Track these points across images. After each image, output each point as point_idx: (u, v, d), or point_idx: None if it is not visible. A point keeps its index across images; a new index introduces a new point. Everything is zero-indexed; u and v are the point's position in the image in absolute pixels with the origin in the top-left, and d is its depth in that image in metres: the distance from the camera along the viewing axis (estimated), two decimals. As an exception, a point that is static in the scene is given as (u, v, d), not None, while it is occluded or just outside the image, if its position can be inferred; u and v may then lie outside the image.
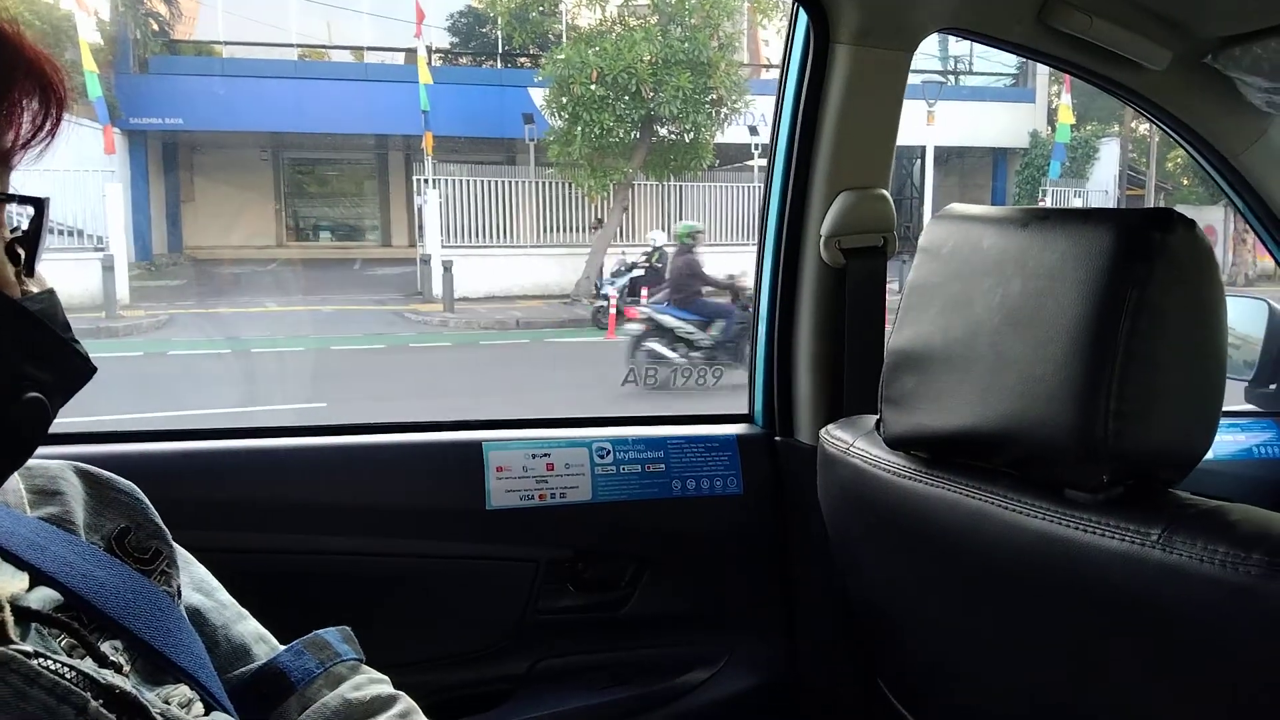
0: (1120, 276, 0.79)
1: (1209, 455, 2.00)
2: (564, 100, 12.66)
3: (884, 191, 1.46)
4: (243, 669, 0.80)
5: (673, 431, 1.53)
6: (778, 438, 1.56)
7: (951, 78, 17.38)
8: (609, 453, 1.47)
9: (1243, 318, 2.22)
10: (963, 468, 0.95)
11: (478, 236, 14.04)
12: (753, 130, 13.32)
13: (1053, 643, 0.90)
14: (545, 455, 1.44)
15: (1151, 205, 17.92)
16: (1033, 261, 0.86)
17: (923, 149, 15.05)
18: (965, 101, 16.97)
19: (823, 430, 1.18)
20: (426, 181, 13.68)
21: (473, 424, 1.48)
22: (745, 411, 1.63)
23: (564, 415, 1.54)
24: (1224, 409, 2.09)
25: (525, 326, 11.63)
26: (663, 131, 13.06)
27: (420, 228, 14.19)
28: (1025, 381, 0.84)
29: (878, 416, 1.06)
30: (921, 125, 14.12)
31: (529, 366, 9.69)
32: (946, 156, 18.32)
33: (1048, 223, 0.87)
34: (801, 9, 1.40)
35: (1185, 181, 17.25)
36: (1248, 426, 2.04)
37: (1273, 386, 2.12)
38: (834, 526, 1.18)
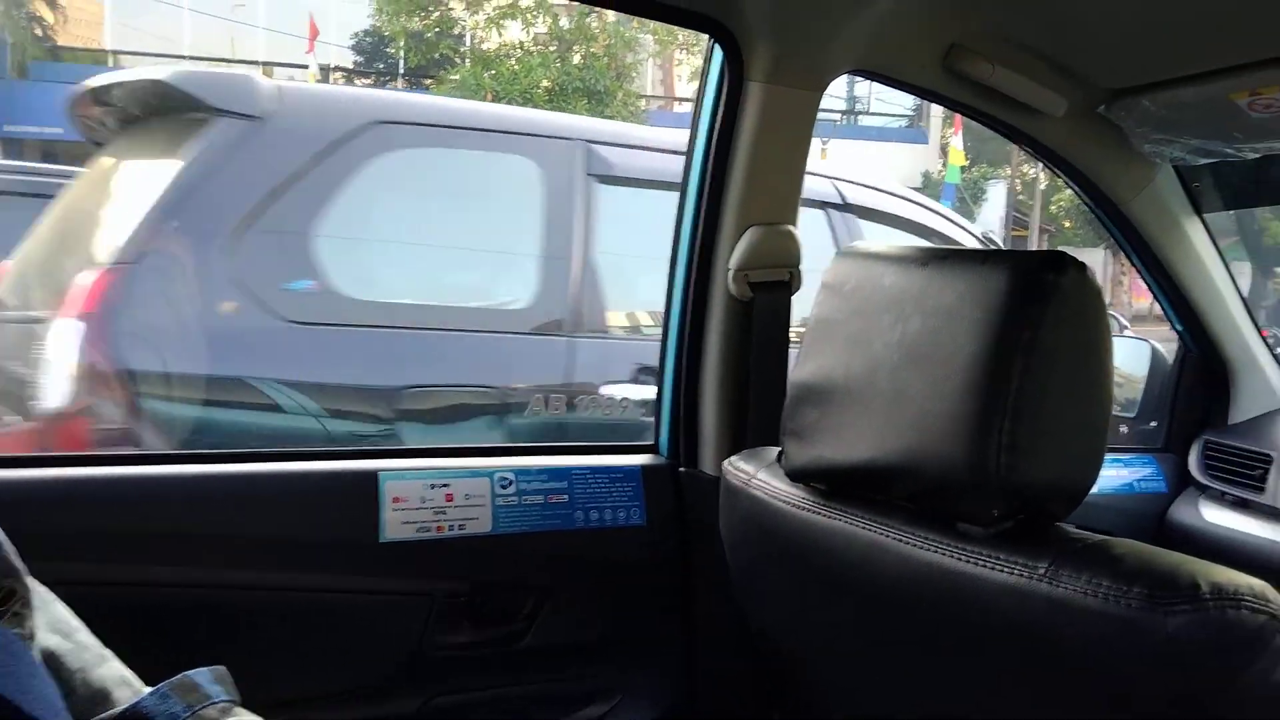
0: (1014, 317, 0.83)
1: (1094, 489, 2.12)
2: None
3: (791, 227, 1.51)
4: (102, 715, 0.75)
5: (577, 462, 1.54)
6: (682, 469, 1.58)
7: (851, 117, 18.05)
8: (511, 483, 1.46)
9: (1127, 357, 2.36)
10: (860, 500, 0.98)
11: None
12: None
13: (948, 675, 0.94)
14: (445, 486, 1.42)
15: (1035, 246, 19.02)
16: (931, 300, 0.90)
17: None
18: (865, 141, 17.70)
19: (726, 462, 1.21)
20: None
21: (368, 453, 1.45)
22: (651, 442, 1.65)
23: (466, 445, 1.53)
24: (1108, 445, 2.22)
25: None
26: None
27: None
28: (922, 416, 0.88)
29: (780, 449, 1.09)
30: (816, 161, 14.68)
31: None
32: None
33: (946, 263, 0.91)
34: (717, 46, 1.45)
35: (1068, 224, 18.29)
36: (1130, 462, 2.15)
37: (1153, 424, 2.26)
38: (735, 558, 1.20)
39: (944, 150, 17.40)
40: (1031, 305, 0.83)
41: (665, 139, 2.92)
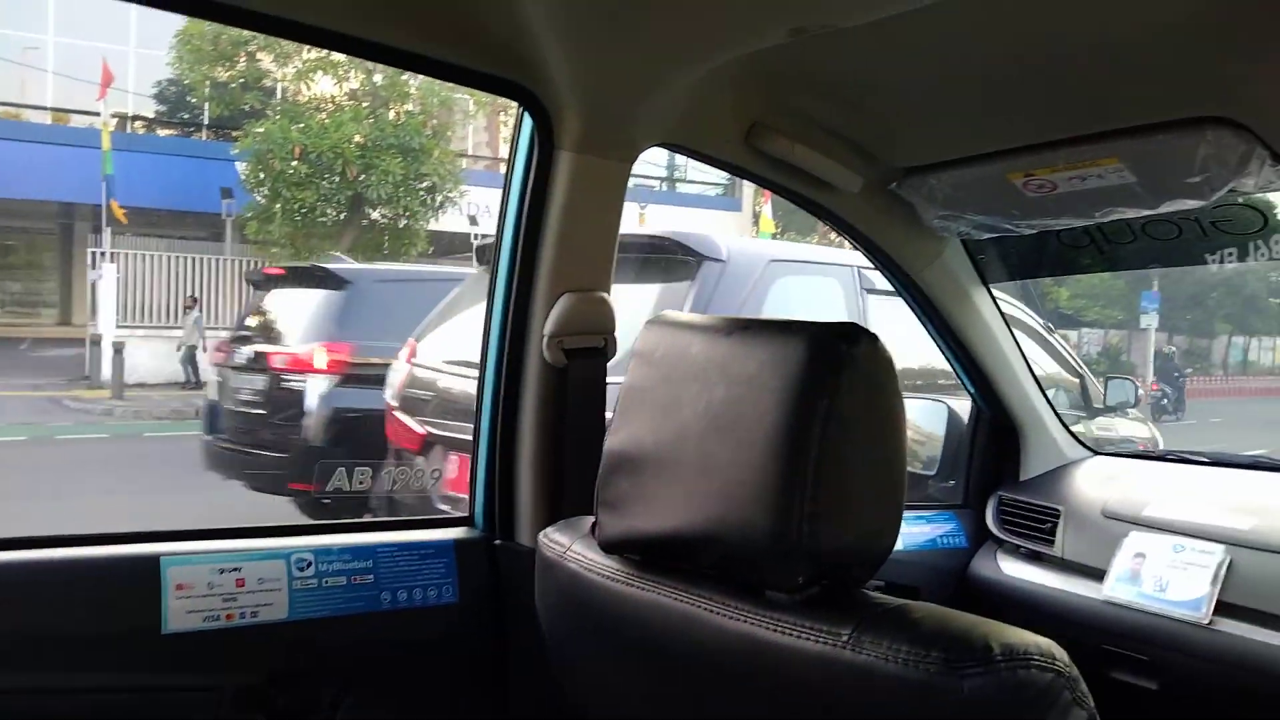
0: (812, 386, 0.87)
1: (900, 546, 2.21)
2: (261, 175, 12.22)
3: (605, 294, 1.53)
4: None
5: (384, 538, 1.48)
6: (498, 541, 1.55)
7: (668, 184, 18.71)
8: (310, 564, 1.38)
9: (926, 418, 2.50)
10: (672, 571, 0.99)
11: (166, 316, 13.02)
12: (473, 220, 13.51)
13: None
14: (235, 570, 1.33)
15: None
16: (735, 369, 0.92)
17: None
18: (683, 207, 18.37)
19: (541, 534, 1.19)
20: (103, 255, 12.55)
21: (149, 536, 1.34)
22: (465, 514, 1.60)
23: (258, 525, 1.44)
24: (912, 502, 2.34)
25: (204, 416, 10.82)
26: (374, 215, 12.91)
27: (94, 305, 12.98)
28: (727, 485, 0.90)
29: (594, 519, 1.09)
30: (634, 226, 15.18)
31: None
32: (664, 259, 19.64)
33: (749, 332, 0.95)
34: (528, 113, 1.46)
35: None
36: (932, 518, 2.27)
37: (952, 482, 2.39)
38: (552, 633, 1.18)
39: (756, 218, 18.25)
40: (828, 375, 0.87)
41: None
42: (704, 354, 0.97)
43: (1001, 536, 2.23)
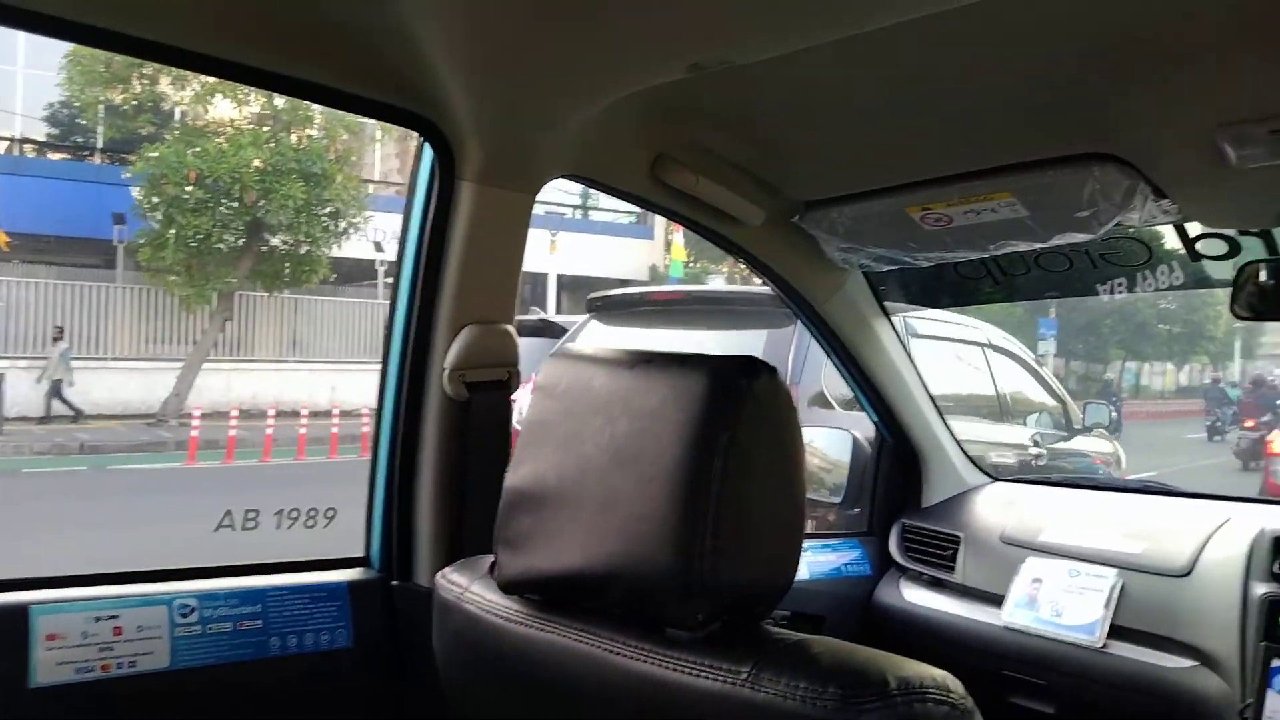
0: (713, 419, 0.87)
1: (806, 576, 2.23)
2: (155, 200, 11.85)
3: (509, 327, 1.51)
4: None
5: (274, 581, 1.42)
6: (395, 582, 1.50)
7: (581, 211, 18.80)
8: (193, 610, 1.32)
9: (832, 446, 2.54)
10: (574, 610, 0.97)
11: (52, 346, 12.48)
12: (378, 247, 13.32)
13: None
14: (113, 617, 1.26)
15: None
16: (637, 402, 0.92)
17: (546, 276, 16.18)
18: (596, 235, 18.45)
19: (439, 574, 1.16)
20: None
21: (16, 583, 1.27)
22: (361, 554, 1.56)
23: (138, 569, 1.37)
24: (819, 531, 2.35)
25: (91, 450, 10.39)
26: (275, 241, 12.63)
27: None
28: (629, 520, 0.89)
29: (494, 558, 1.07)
30: (546, 253, 15.15)
31: (74, 501, 8.41)
32: (578, 285, 19.67)
33: (651, 366, 0.94)
34: (427, 144, 1.44)
35: (782, 316, 19.82)
36: (837, 546, 2.29)
37: (857, 509, 2.43)
38: (450, 678, 1.15)
39: (668, 246, 18.44)
40: (728, 408, 0.87)
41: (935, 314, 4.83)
42: (607, 388, 0.96)
43: (904, 564, 2.27)
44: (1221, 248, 1.80)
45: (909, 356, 2.29)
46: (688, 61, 1.24)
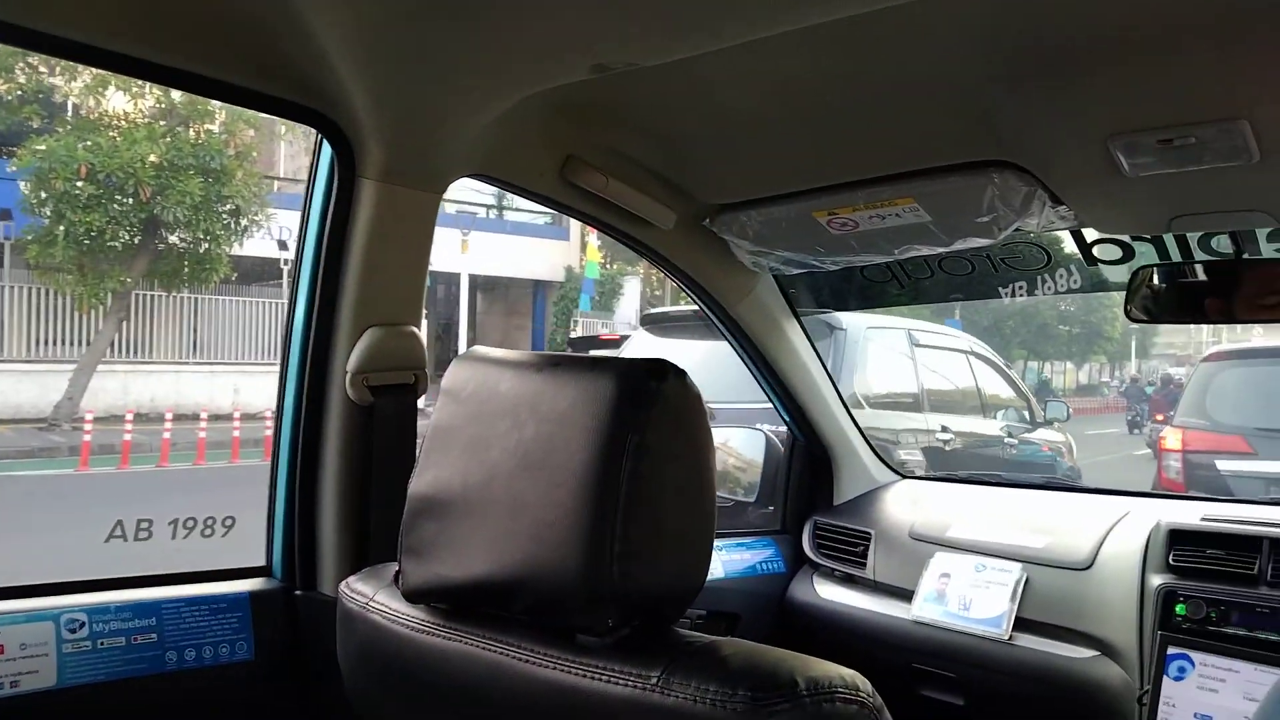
0: (621, 422, 0.86)
1: (721, 574, 2.24)
2: (44, 196, 11.37)
3: (414, 329, 1.49)
4: None
5: (169, 593, 1.37)
6: (298, 591, 1.47)
7: (497, 211, 18.62)
8: (83, 625, 1.27)
9: (746, 446, 2.57)
10: (482, 618, 0.96)
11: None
12: (282, 245, 13.01)
13: None
14: None
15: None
16: (546, 406, 0.91)
17: (459, 276, 16.00)
18: (511, 235, 18.28)
19: (343, 583, 1.14)
20: None
21: None
22: (262, 564, 1.52)
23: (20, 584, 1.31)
24: (734, 529, 2.37)
25: (-29, 456, 9.93)
26: (173, 239, 12.24)
27: None
28: (537, 526, 0.89)
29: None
30: (457, 253, 14.97)
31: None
32: (493, 286, 19.45)
33: (560, 369, 0.94)
34: (326, 141, 1.41)
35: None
36: (752, 545, 2.33)
37: (770, 508, 2.46)
38: (355, 689, 1.12)
39: (584, 247, 18.40)
40: (637, 410, 0.87)
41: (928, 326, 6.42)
42: (514, 391, 0.95)
43: (817, 560, 2.31)
44: (1116, 253, 1.88)
45: (819, 357, 2.33)
46: (591, 62, 1.24)
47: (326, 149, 1.42)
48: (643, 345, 6.02)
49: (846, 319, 5.61)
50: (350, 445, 1.45)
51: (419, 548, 1.00)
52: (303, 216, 1.48)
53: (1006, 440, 7.19)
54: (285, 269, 13.82)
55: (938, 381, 6.98)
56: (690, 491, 0.91)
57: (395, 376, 1.46)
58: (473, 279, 17.42)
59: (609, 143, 1.63)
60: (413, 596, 1.01)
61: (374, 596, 1.07)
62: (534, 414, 0.92)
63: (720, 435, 2.86)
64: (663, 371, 0.89)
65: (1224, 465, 6.31)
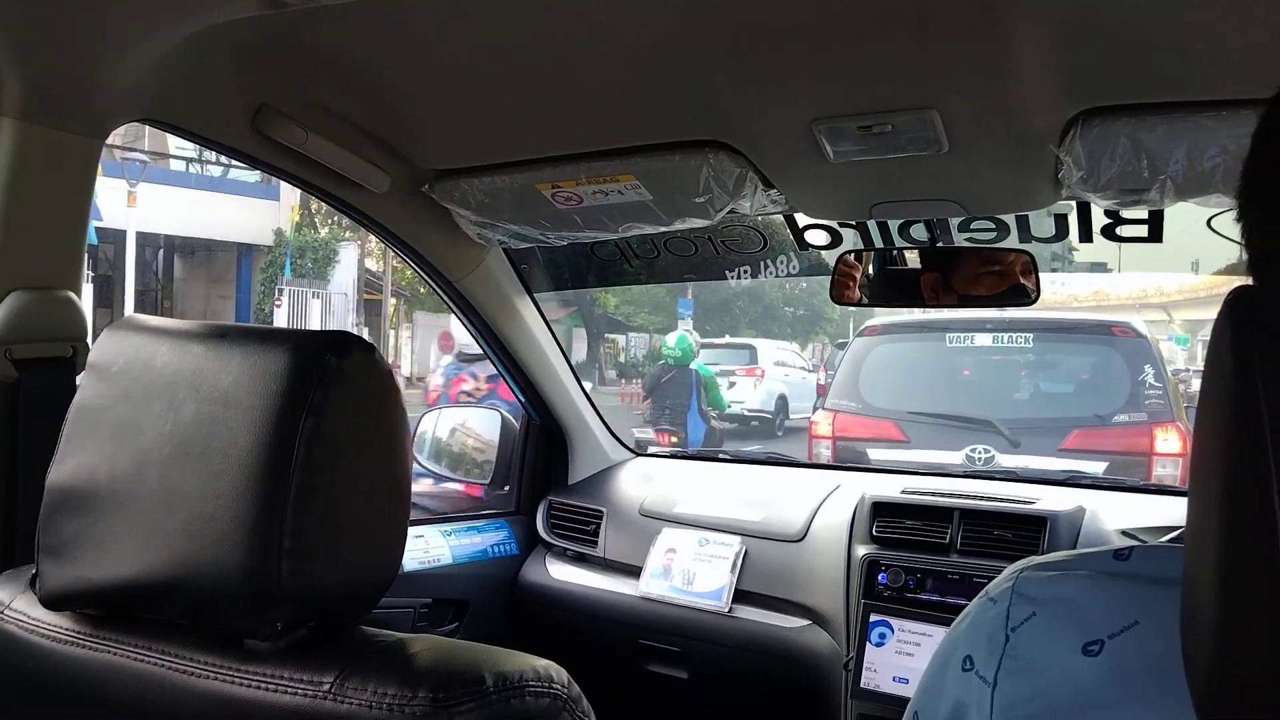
0: (294, 403, 0.79)
1: (450, 559, 2.24)
2: None
3: (71, 294, 1.33)
4: None
5: None
6: None
7: (198, 165, 17.20)
8: None
9: (482, 425, 2.60)
10: (137, 625, 0.87)
11: None
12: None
13: None
14: None
15: (387, 310, 19.46)
16: (207, 384, 0.83)
17: (124, 234, 14.35)
18: (208, 191, 16.76)
19: None
20: None
21: None
22: None
23: None
24: (465, 512, 2.37)
25: None
26: None
27: None
28: (195, 521, 0.80)
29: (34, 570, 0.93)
30: (123, 207, 13.35)
31: None
32: (194, 249, 17.97)
33: (225, 341, 0.85)
34: None
35: (423, 289, 19.54)
36: (483, 528, 2.32)
37: (506, 488, 2.51)
38: None
39: (294, 210, 17.46)
40: (312, 389, 0.79)
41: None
42: (171, 366, 0.85)
43: (551, 541, 2.33)
44: (825, 238, 1.97)
45: (553, 335, 2.34)
46: None
47: None
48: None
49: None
50: None
51: (59, 546, 0.89)
52: None
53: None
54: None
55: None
56: (378, 478, 0.85)
57: (47, 349, 1.29)
58: (168, 240, 15.99)
59: (310, 94, 1.51)
60: (53, 603, 0.90)
61: (10, 604, 0.95)
62: (194, 393, 0.83)
63: (459, 415, 2.82)
64: (344, 345, 0.82)
65: (876, 455, 5.99)
